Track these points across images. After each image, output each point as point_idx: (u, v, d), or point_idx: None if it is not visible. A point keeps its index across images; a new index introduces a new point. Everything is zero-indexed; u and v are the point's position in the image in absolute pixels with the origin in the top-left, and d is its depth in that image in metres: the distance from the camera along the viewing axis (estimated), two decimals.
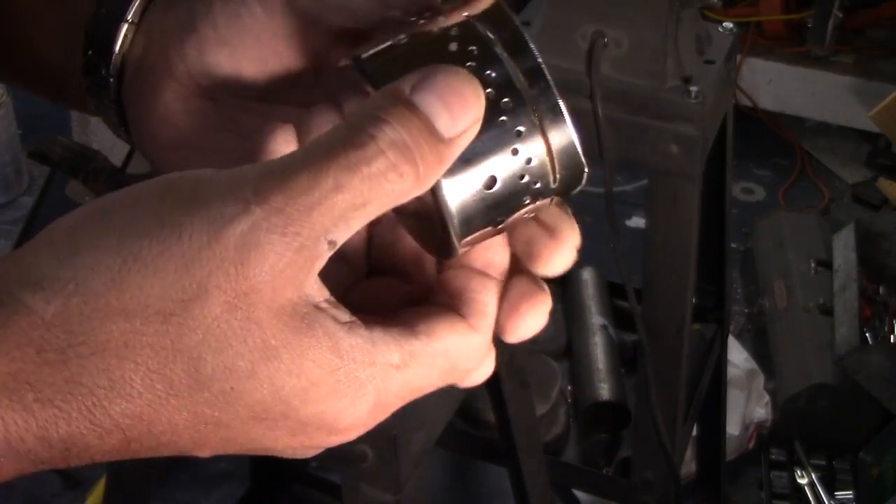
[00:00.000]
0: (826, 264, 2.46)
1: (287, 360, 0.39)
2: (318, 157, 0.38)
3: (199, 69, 0.50)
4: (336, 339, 0.40)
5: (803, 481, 2.24)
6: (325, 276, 0.41)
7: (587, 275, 2.00)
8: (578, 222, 0.46)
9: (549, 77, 0.43)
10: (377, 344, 0.41)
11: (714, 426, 1.99)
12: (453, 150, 0.40)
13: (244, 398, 0.39)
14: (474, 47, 0.43)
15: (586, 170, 0.44)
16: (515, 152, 0.42)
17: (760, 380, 2.36)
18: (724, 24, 1.48)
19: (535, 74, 0.43)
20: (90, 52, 0.54)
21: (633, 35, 1.35)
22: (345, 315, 0.41)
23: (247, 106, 0.51)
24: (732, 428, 2.20)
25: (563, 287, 2.02)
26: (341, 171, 0.38)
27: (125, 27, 0.52)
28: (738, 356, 2.35)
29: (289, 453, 0.43)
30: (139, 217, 0.39)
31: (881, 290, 2.24)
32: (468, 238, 0.43)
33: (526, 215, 0.44)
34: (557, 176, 0.43)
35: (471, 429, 1.72)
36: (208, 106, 0.51)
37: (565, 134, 0.43)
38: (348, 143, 0.38)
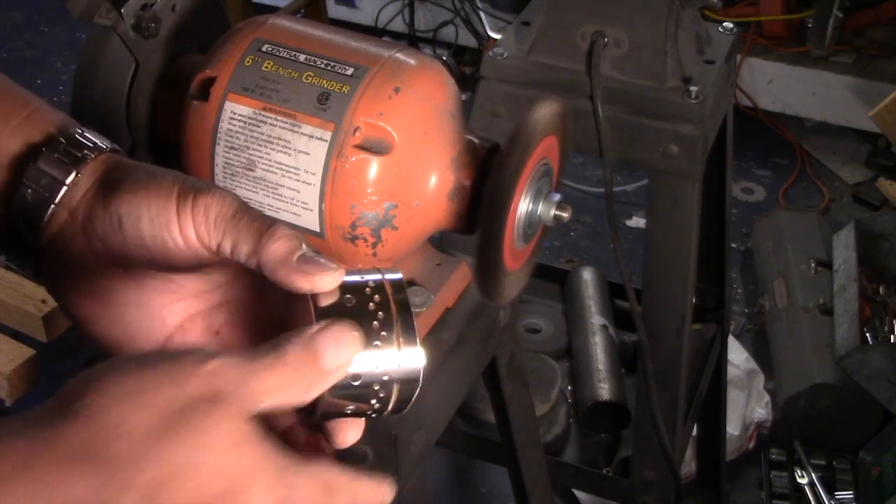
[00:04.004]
0: (826, 264, 2.46)
1: None
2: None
3: (111, 243, 0.60)
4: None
5: (803, 481, 2.24)
6: None
7: (587, 275, 2.00)
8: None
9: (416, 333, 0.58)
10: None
11: (714, 426, 1.99)
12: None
13: None
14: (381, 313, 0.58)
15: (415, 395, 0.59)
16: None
17: (760, 380, 2.36)
18: (724, 24, 1.48)
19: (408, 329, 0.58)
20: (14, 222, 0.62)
21: (633, 35, 1.35)
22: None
23: (151, 273, 0.61)
24: (732, 428, 2.20)
25: (563, 287, 2.02)
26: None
27: (52, 208, 0.62)
28: (738, 356, 2.35)
29: None
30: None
31: (881, 290, 2.25)
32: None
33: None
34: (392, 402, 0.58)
35: (471, 429, 1.71)
36: (118, 270, 0.62)
37: (415, 382, 0.58)
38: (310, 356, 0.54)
